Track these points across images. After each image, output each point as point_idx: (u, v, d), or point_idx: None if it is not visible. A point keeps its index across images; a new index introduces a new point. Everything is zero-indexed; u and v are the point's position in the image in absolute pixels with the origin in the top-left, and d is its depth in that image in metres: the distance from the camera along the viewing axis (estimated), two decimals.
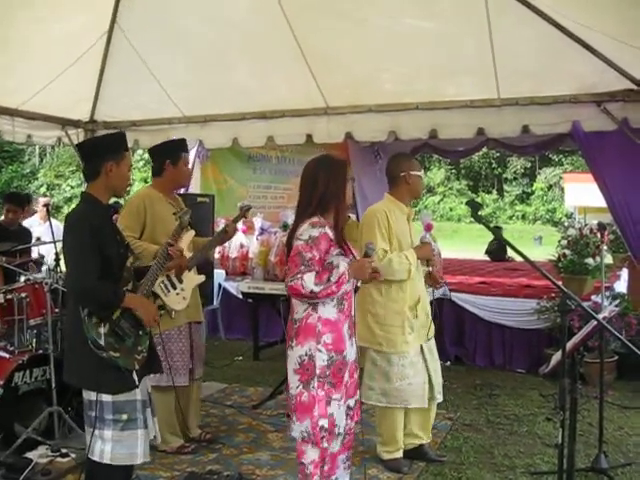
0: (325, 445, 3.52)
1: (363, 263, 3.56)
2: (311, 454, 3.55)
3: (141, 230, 4.73)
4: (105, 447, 3.33)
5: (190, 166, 4.98)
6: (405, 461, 4.72)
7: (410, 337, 4.58)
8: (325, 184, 3.58)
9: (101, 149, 3.48)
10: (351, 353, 3.64)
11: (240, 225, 9.05)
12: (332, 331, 3.52)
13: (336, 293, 3.47)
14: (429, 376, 4.67)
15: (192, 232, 4.83)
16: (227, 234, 5.06)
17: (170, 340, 4.76)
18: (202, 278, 5.00)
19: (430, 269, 4.72)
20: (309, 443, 3.52)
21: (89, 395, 3.35)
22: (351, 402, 3.68)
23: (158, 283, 4.50)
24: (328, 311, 3.52)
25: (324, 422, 3.48)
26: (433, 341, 4.84)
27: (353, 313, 3.72)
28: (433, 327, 4.82)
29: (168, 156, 4.90)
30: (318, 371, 3.48)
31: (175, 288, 4.67)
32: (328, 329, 3.51)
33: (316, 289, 3.39)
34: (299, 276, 3.39)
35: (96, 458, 3.35)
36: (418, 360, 4.63)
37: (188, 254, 4.72)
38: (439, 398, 4.79)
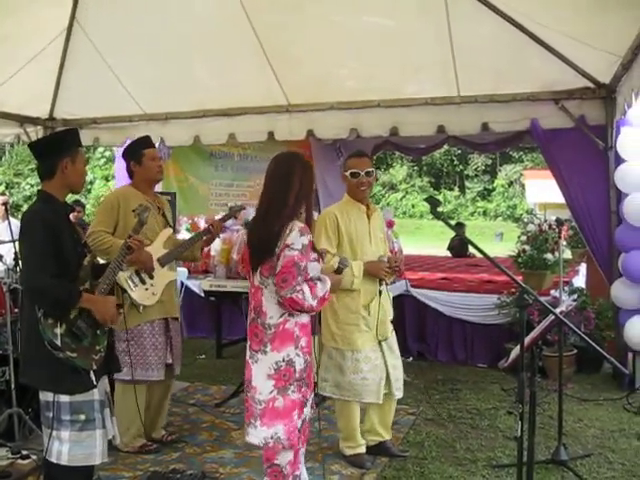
0: (300, 446, 3.47)
1: (337, 279, 3.59)
2: (286, 455, 3.45)
3: (114, 226, 4.77)
4: (62, 448, 3.30)
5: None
6: (368, 457, 4.74)
7: (366, 335, 4.58)
8: (300, 182, 3.44)
9: (56, 147, 3.45)
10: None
11: (202, 224, 9.05)
12: (306, 334, 3.49)
13: (320, 309, 3.49)
14: (387, 372, 4.66)
15: (169, 230, 4.96)
16: (212, 234, 5.05)
17: (142, 335, 4.78)
18: (175, 275, 5.06)
19: (381, 288, 4.65)
20: (278, 448, 3.41)
21: (46, 396, 3.32)
22: (312, 395, 3.66)
23: (125, 278, 4.60)
24: (304, 316, 3.47)
25: (300, 424, 3.43)
26: (394, 338, 4.85)
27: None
28: (390, 326, 4.82)
29: (132, 157, 4.98)
30: (297, 375, 3.40)
31: (144, 283, 4.72)
32: (303, 333, 3.46)
33: (314, 303, 3.35)
34: (299, 289, 3.29)
35: (54, 459, 3.31)
36: (375, 356, 4.63)
37: (163, 251, 4.81)
38: (398, 395, 4.78)
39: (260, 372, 3.41)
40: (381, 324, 4.67)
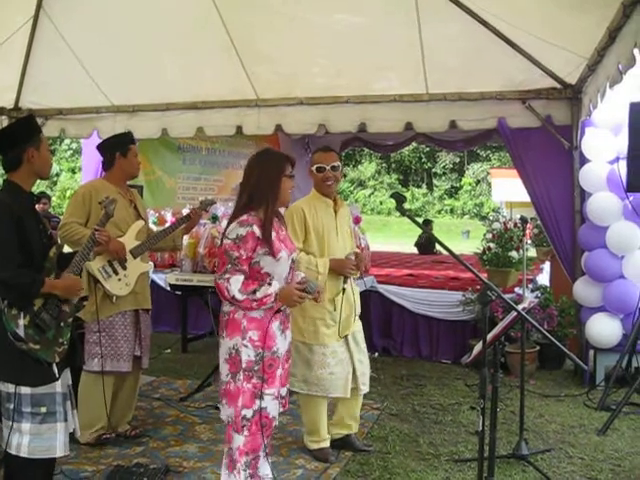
0: (245, 433, 3.55)
1: (292, 293, 3.57)
2: (237, 440, 3.59)
3: (87, 217, 4.77)
4: (23, 440, 3.27)
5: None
6: (332, 451, 4.76)
7: (332, 329, 4.60)
8: (256, 179, 3.61)
9: (18, 137, 3.41)
10: (284, 347, 3.69)
11: (169, 217, 9.00)
12: (258, 328, 3.54)
13: (255, 309, 3.52)
14: (354, 367, 4.68)
15: (141, 222, 4.97)
16: (192, 220, 5.15)
17: (114, 326, 4.78)
18: (148, 266, 5.08)
19: (345, 286, 4.67)
20: (232, 428, 3.59)
21: (7, 387, 3.28)
22: (283, 391, 3.73)
23: (98, 269, 4.62)
24: (255, 311, 3.55)
25: (247, 412, 3.53)
26: (360, 333, 4.86)
27: (286, 309, 3.73)
28: (358, 319, 4.85)
29: (118, 148, 4.95)
30: (244, 365, 3.52)
31: (117, 274, 4.74)
32: (254, 326, 3.54)
33: (239, 296, 3.45)
34: (226, 277, 3.46)
35: (13, 451, 3.28)
36: (342, 350, 4.65)
37: (134, 242, 4.84)
38: (364, 389, 4.80)
39: (221, 355, 3.63)
40: (346, 318, 4.67)
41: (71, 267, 3.48)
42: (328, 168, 4.64)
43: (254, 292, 3.46)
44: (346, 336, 4.69)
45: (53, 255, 3.44)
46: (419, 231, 15.14)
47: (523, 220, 7.04)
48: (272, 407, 3.61)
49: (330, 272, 4.55)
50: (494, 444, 3.72)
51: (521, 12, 5.32)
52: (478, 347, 4.02)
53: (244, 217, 3.53)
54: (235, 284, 3.44)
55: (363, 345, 4.86)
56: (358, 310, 4.86)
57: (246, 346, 3.52)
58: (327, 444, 4.77)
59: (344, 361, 4.64)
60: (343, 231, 4.79)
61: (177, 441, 5.05)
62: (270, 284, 3.52)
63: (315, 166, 4.67)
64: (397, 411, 5.81)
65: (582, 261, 6.42)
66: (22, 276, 3.23)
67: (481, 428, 3.51)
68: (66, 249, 3.85)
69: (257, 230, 3.51)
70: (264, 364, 3.55)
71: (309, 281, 3.69)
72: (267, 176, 3.62)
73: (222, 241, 3.59)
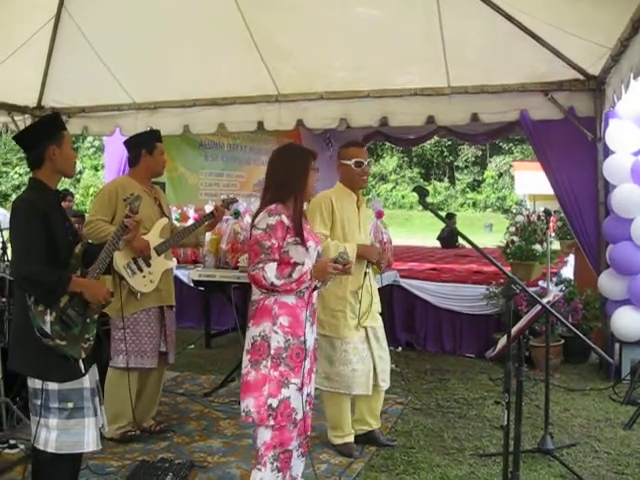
0: (271, 423, 3.50)
1: (325, 265, 3.58)
2: (263, 435, 3.54)
3: (112, 214, 4.81)
4: (50, 435, 3.29)
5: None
6: (356, 446, 4.76)
7: (353, 322, 4.60)
8: (283, 173, 3.62)
9: (40, 135, 3.44)
10: (310, 340, 3.66)
11: (192, 214, 9.04)
12: (289, 314, 3.53)
13: (295, 290, 3.51)
14: (374, 363, 4.68)
15: (165, 219, 5.00)
16: (215, 218, 5.16)
17: (138, 323, 4.82)
18: (172, 264, 5.17)
19: (367, 270, 4.70)
20: (253, 421, 3.52)
21: (34, 383, 3.31)
22: (308, 389, 3.70)
23: (123, 266, 4.66)
24: (286, 296, 3.54)
25: (273, 401, 3.48)
26: (381, 328, 4.85)
27: (314, 302, 3.74)
28: (378, 314, 4.86)
29: (144, 146, 4.99)
30: (272, 351, 3.48)
31: (142, 271, 4.78)
32: (285, 312, 3.53)
33: (277, 282, 3.44)
34: (260, 266, 3.43)
35: (41, 447, 3.31)
36: (363, 347, 4.65)
37: (159, 240, 4.87)
38: (384, 386, 4.79)
39: (245, 347, 3.59)
40: (366, 309, 4.69)
41: (101, 257, 3.49)
42: (365, 163, 4.72)
43: (290, 275, 3.47)
44: (367, 331, 4.69)
45: (79, 252, 3.46)
46: (441, 225, 15.09)
47: (547, 213, 6.98)
48: (295, 398, 3.55)
49: (357, 259, 4.53)
50: (519, 438, 3.69)
51: (543, 4, 5.28)
52: (502, 341, 3.99)
53: (272, 207, 3.53)
54: (270, 271, 3.43)
55: (383, 341, 4.86)
56: (378, 305, 4.88)
57: (276, 332, 3.49)
58: (351, 439, 4.77)
59: (366, 358, 4.64)
60: (365, 226, 4.85)
61: (201, 436, 5.08)
62: (303, 264, 3.51)
63: (354, 160, 4.69)
64: (421, 405, 5.79)
65: (607, 254, 6.35)
66: (49, 273, 3.26)
67: (506, 422, 3.49)
68: None
69: (285, 219, 3.51)
70: (292, 352, 3.52)
71: (340, 253, 3.69)
72: (294, 170, 3.63)
73: (251, 232, 3.58)
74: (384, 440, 4.90)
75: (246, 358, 3.56)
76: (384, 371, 4.77)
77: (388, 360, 4.87)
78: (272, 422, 3.50)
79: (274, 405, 3.48)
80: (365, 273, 4.68)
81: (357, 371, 4.59)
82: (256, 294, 3.59)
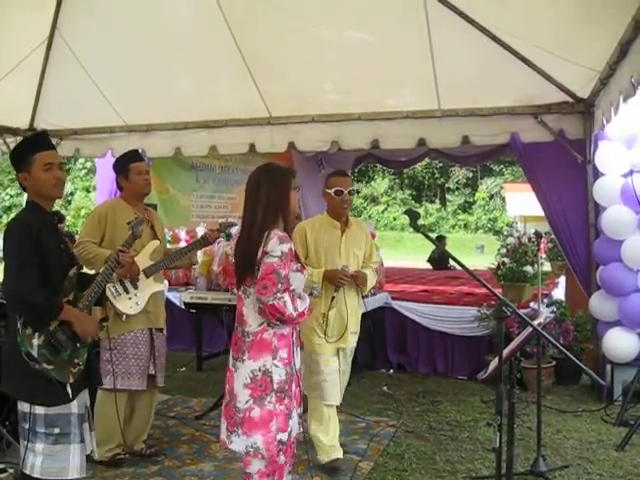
0: (282, 458, 3.47)
1: (313, 301, 3.64)
2: (257, 464, 3.48)
3: (101, 237, 4.85)
4: (36, 461, 3.26)
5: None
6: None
7: (322, 341, 4.78)
8: (267, 195, 3.48)
9: (14, 164, 3.46)
10: (297, 362, 3.61)
11: (183, 235, 9.03)
12: (286, 345, 3.48)
13: (297, 323, 3.53)
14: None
15: (156, 242, 5.00)
16: (209, 243, 5.24)
17: (125, 344, 4.81)
18: (162, 286, 5.14)
19: (334, 295, 4.79)
20: (257, 457, 3.43)
21: (23, 407, 3.29)
22: (300, 410, 3.65)
23: (108, 287, 4.60)
24: (283, 327, 3.48)
25: (283, 436, 3.41)
26: (351, 349, 5.06)
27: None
28: (351, 337, 4.98)
29: (119, 172, 5.06)
30: (276, 386, 3.40)
31: (128, 293, 4.79)
32: (283, 344, 3.46)
33: (294, 315, 3.39)
34: (279, 296, 3.32)
35: (27, 471, 3.28)
36: (333, 360, 4.85)
37: (149, 262, 4.88)
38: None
39: (239, 380, 3.44)
40: (337, 333, 4.84)
41: (91, 288, 3.48)
42: (346, 192, 4.86)
43: (297, 308, 3.42)
44: (337, 350, 4.89)
45: (73, 275, 3.45)
46: (433, 246, 15.10)
47: (538, 235, 7.02)
48: (295, 426, 3.55)
49: (324, 283, 4.67)
50: (512, 461, 3.69)
51: (532, 27, 5.33)
52: (494, 363, 3.99)
53: (280, 233, 3.41)
54: (289, 303, 3.36)
55: (349, 358, 5.09)
56: (353, 327, 4.98)
57: (277, 366, 3.41)
58: (337, 455, 4.87)
59: (336, 371, 4.84)
60: (348, 251, 4.93)
61: (193, 460, 5.05)
62: (300, 297, 3.50)
63: (334, 189, 4.86)
64: (413, 428, 5.77)
65: (597, 275, 6.38)
66: (40, 295, 3.24)
67: (498, 445, 3.49)
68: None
69: (292, 246, 3.46)
70: (290, 382, 3.48)
71: (314, 287, 3.76)
72: (279, 191, 3.51)
73: (262, 259, 3.37)
74: None
75: (246, 392, 3.41)
76: (342, 385, 5.02)
77: (348, 375, 5.14)
78: (283, 458, 3.47)
79: (284, 439, 3.42)
80: (332, 297, 4.78)
81: (328, 382, 4.76)
82: (252, 325, 3.45)
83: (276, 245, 3.35)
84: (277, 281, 3.32)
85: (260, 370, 3.39)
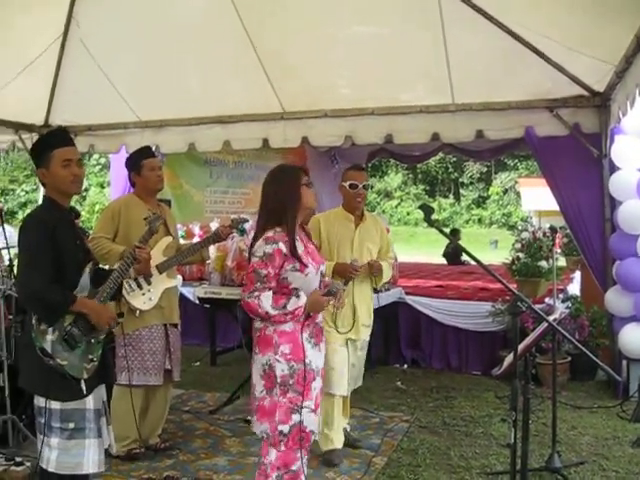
0: (282, 448, 3.56)
1: (319, 300, 3.64)
2: (271, 454, 3.60)
3: (115, 232, 4.87)
4: (51, 455, 3.27)
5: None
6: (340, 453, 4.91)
7: (331, 329, 4.74)
8: (273, 196, 3.66)
9: (33, 160, 3.49)
10: (318, 360, 3.70)
11: (197, 231, 9.05)
12: (289, 342, 3.56)
13: (287, 322, 3.56)
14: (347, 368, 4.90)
15: (169, 238, 5.02)
16: (220, 237, 5.19)
17: (140, 340, 4.83)
18: (175, 282, 5.14)
19: (344, 287, 4.77)
20: (269, 443, 3.59)
21: (39, 401, 3.30)
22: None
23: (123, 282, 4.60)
24: (286, 324, 3.57)
25: (284, 428, 3.54)
26: (363, 341, 5.07)
27: (319, 319, 3.78)
28: (363, 330, 4.98)
29: (131, 169, 5.08)
30: (279, 380, 3.54)
31: (141, 288, 4.81)
32: (285, 340, 3.56)
33: (272, 312, 3.49)
34: (256, 294, 3.49)
35: (44, 465, 3.30)
36: (342, 350, 4.85)
37: (162, 258, 4.89)
38: (348, 392, 5.04)
39: (256, 372, 3.63)
40: (350, 325, 4.85)
41: (108, 283, 3.48)
42: (360, 186, 4.88)
43: (284, 306, 3.51)
44: (347, 341, 4.89)
45: (89, 270, 3.45)
46: (446, 241, 15.06)
47: (553, 229, 6.98)
48: (309, 421, 3.62)
49: (334, 276, 4.65)
50: (526, 457, 3.67)
51: (547, 21, 5.29)
52: (509, 359, 3.97)
53: (270, 234, 3.56)
54: (266, 300, 3.48)
55: (361, 351, 5.09)
56: (365, 320, 5.01)
57: (279, 361, 3.54)
58: (336, 445, 4.90)
59: (343, 361, 4.85)
60: (362, 245, 4.95)
61: (207, 454, 5.06)
62: (298, 296, 3.55)
63: (348, 182, 4.90)
64: (427, 423, 5.76)
65: (613, 270, 6.33)
66: (53, 291, 3.24)
67: (513, 440, 3.47)
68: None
69: (283, 247, 3.54)
70: (299, 377, 3.56)
71: (332, 283, 3.80)
72: (284, 190, 3.66)
73: (250, 259, 3.62)
74: (352, 440, 5.16)
75: (261, 383, 3.60)
76: (352, 377, 5.01)
77: (360, 368, 5.14)
78: (283, 447, 3.57)
79: (285, 431, 3.55)
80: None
81: (335, 370, 4.76)
82: (257, 322, 3.64)
83: (260, 246, 3.55)
84: (255, 280, 3.51)
85: (267, 364, 3.57)
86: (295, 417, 3.55)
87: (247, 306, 3.52)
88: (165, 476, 4.57)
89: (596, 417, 5.87)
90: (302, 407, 3.56)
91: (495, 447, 5.16)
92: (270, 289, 3.52)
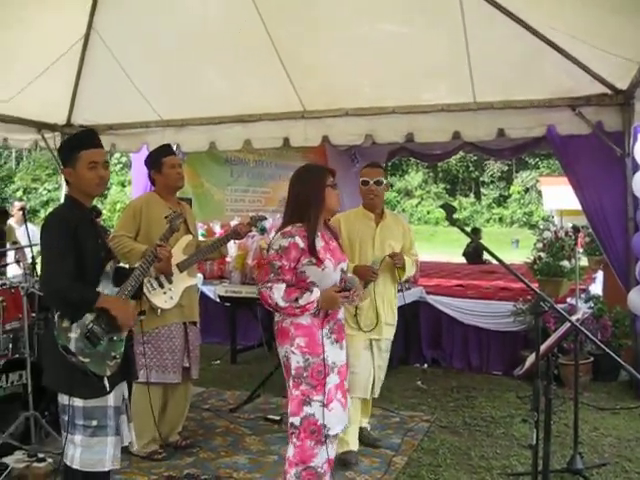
0: (294, 440, 3.62)
1: (333, 296, 3.66)
2: (288, 451, 3.68)
3: (136, 231, 4.89)
4: (75, 452, 3.31)
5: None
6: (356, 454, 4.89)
7: (354, 332, 4.72)
8: (298, 194, 3.76)
9: (60, 159, 3.52)
10: (337, 357, 3.73)
11: (218, 229, 9.08)
12: (305, 335, 3.62)
13: (298, 316, 3.61)
14: (373, 371, 4.90)
15: (189, 236, 5.04)
16: (238, 234, 5.23)
17: (159, 338, 4.86)
18: (195, 280, 5.18)
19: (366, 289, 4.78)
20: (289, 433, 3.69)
21: (62, 399, 3.33)
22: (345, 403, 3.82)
23: (144, 281, 4.62)
24: (302, 317, 3.63)
25: (295, 420, 3.62)
26: (387, 340, 5.02)
27: (341, 316, 3.82)
28: (385, 328, 4.94)
29: (151, 167, 5.10)
30: (293, 372, 3.62)
31: (162, 287, 4.83)
32: (301, 332, 3.63)
33: (282, 304, 3.56)
34: (269, 285, 3.58)
35: (68, 462, 3.33)
36: (365, 354, 4.83)
37: (182, 257, 4.91)
38: (375, 393, 5.02)
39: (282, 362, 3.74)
40: (372, 324, 4.82)
41: (130, 281, 3.49)
42: (371, 182, 4.90)
43: (296, 300, 3.57)
44: (370, 342, 4.87)
45: (110, 269, 3.47)
46: (466, 240, 15.02)
47: (575, 229, 6.93)
48: (320, 414, 3.61)
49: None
50: (548, 458, 3.65)
51: (569, 18, 5.26)
52: (531, 359, 3.95)
53: (287, 228, 3.66)
54: (278, 292, 3.55)
55: (386, 353, 5.05)
56: (389, 317, 4.98)
57: (294, 353, 3.62)
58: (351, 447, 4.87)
59: (366, 364, 4.84)
60: (383, 243, 4.92)
61: (227, 452, 5.08)
62: (311, 291, 3.60)
63: (361, 179, 4.95)
64: (447, 423, 5.74)
65: (636, 270, 6.27)
66: (76, 289, 3.27)
67: (535, 441, 3.45)
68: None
69: (300, 241, 3.61)
70: (313, 370, 3.60)
71: (349, 278, 3.81)
72: (308, 190, 3.74)
73: (268, 252, 3.72)
74: (372, 440, 5.16)
75: (285, 374, 3.75)
76: (379, 379, 5.02)
77: (384, 371, 5.10)
78: (295, 440, 3.62)
79: (296, 423, 3.62)
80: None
81: (357, 374, 4.73)
82: (276, 316, 3.73)
83: (277, 239, 3.65)
84: (270, 271, 3.62)
85: (285, 356, 3.67)
86: (306, 409, 3.60)
87: (261, 296, 3.63)
88: (185, 474, 4.59)
89: (618, 418, 5.82)
90: (313, 400, 3.60)
91: (516, 448, 5.13)
92: (284, 281, 3.58)
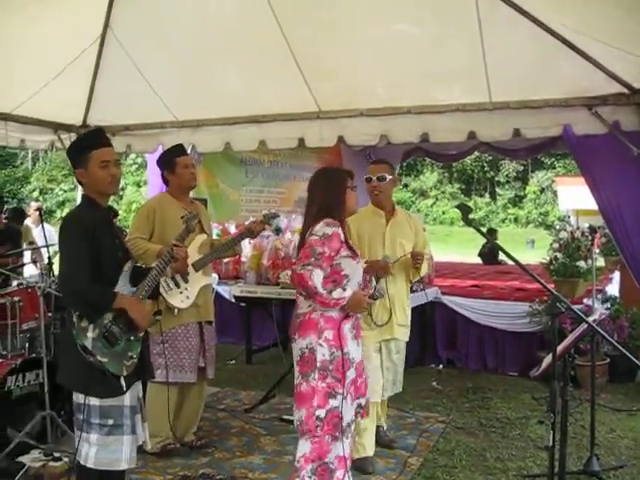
0: (319, 433, 3.61)
1: (362, 300, 3.74)
2: (303, 448, 3.68)
3: (150, 232, 4.91)
4: (90, 451, 3.33)
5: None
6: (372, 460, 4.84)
7: (366, 332, 4.61)
8: (323, 196, 3.83)
9: (71, 161, 3.53)
10: (355, 353, 3.78)
11: (233, 230, 9.10)
12: (333, 328, 3.67)
13: (328, 307, 3.64)
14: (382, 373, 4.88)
15: (204, 236, 5.07)
16: (252, 233, 5.25)
17: (176, 338, 4.89)
18: (210, 280, 5.20)
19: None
20: (304, 434, 3.66)
21: (78, 398, 3.35)
22: (362, 401, 3.85)
23: (160, 282, 4.63)
24: (332, 310, 3.68)
25: (321, 412, 3.61)
26: (398, 341, 4.97)
27: (359, 315, 3.89)
28: (398, 329, 4.91)
29: (164, 167, 5.13)
30: (319, 364, 3.63)
31: (178, 287, 4.86)
32: (330, 325, 3.67)
33: (320, 290, 3.59)
34: (310, 268, 3.59)
35: (82, 461, 3.35)
36: (375, 356, 4.81)
37: (197, 256, 4.93)
38: (385, 395, 5.00)
39: (294, 358, 3.75)
40: (385, 324, 4.80)
41: (147, 281, 3.51)
42: (374, 178, 4.91)
43: (330, 291, 3.63)
44: (380, 344, 4.85)
45: (127, 269, 3.49)
46: (482, 241, 14.97)
47: (592, 229, 6.90)
48: (342, 408, 3.64)
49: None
50: (564, 459, 3.63)
51: (585, 18, 5.22)
52: (547, 360, 3.93)
53: (329, 220, 3.71)
54: (318, 277, 3.59)
55: (396, 354, 5.00)
56: (401, 319, 4.93)
57: (321, 345, 3.64)
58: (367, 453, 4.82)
59: (377, 368, 4.81)
60: (393, 240, 4.90)
61: (242, 452, 5.09)
62: (344, 289, 3.68)
63: (365, 177, 4.96)
64: (463, 424, 5.73)
65: None
66: (94, 290, 3.29)
67: (551, 443, 3.44)
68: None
69: (341, 233, 3.71)
70: (337, 364, 3.64)
71: (378, 287, 3.93)
72: (332, 193, 3.84)
73: (306, 238, 3.74)
74: (387, 440, 5.17)
75: (297, 369, 3.72)
76: (388, 381, 4.96)
77: (396, 371, 5.03)
78: (319, 432, 3.62)
79: (322, 416, 3.62)
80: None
81: (370, 378, 4.61)
82: (303, 307, 3.73)
83: (321, 227, 3.68)
84: (310, 255, 3.63)
85: (307, 347, 3.67)
86: (332, 402, 3.62)
87: (296, 277, 3.62)
88: (201, 473, 4.61)
89: (635, 420, 5.79)
90: (338, 393, 3.62)
91: (532, 449, 5.11)
92: (322, 269, 3.62)
